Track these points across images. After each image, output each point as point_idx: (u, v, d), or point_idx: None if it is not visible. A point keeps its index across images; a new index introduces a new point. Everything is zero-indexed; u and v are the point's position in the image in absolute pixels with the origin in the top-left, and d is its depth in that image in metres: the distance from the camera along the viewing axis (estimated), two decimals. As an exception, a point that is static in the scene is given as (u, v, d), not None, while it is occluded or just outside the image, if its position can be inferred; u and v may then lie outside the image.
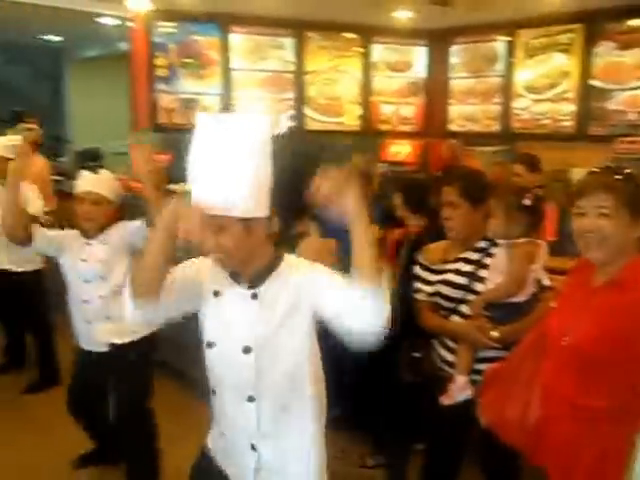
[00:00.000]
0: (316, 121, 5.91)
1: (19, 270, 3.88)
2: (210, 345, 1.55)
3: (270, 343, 1.50)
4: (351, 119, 6.06)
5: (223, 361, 1.56)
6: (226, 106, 5.57)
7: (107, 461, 3.06)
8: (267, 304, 1.51)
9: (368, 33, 5.93)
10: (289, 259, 1.57)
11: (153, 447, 2.81)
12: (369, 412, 3.07)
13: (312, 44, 5.85)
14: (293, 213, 2.53)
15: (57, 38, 6.90)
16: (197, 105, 5.52)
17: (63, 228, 2.97)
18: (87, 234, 2.70)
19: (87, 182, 2.65)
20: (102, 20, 5.53)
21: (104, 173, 2.74)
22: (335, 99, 5.99)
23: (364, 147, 5.04)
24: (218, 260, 1.49)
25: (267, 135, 1.43)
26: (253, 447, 1.56)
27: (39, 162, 5.05)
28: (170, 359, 3.93)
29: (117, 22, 5.54)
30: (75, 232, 2.74)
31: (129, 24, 5.40)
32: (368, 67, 6.02)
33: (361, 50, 6.00)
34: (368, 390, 3.00)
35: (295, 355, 1.52)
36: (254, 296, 1.51)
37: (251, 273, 1.51)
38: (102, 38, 6.43)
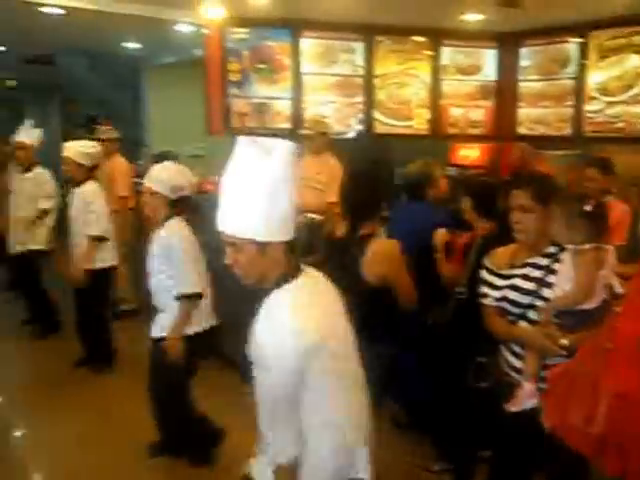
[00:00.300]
0: (385, 125, 5.93)
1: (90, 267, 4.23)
2: None
3: (258, 365, 1.60)
4: (420, 123, 6.05)
5: None
6: (297, 110, 5.69)
7: (175, 452, 3.21)
8: (257, 332, 1.60)
9: (438, 36, 5.91)
10: (288, 288, 1.58)
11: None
12: (435, 416, 3.09)
13: (382, 48, 5.88)
14: (361, 215, 2.60)
15: (136, 46, 7.17)
16: (269, 109, 5.67)
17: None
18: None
19: (147, 176, 2.96)
20: (178, 28, 5.74)
21: (165, 166, 3.00)
22: (404, 103, 5.99)
23: (433, 151, 5.05)
24: (240, 276, 1.60)
25: (288, 162, 1.48)
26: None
27: (121, 162, 5.36)
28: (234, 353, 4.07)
29: (192, 29, 5.74)
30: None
31: (204, 31, 5.59)
32: (437, 70, 5.99)
33: (430, 53, 5.97)
34: (434, 394, 3.02)
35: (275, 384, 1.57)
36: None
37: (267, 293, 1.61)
38: (178, 45, 6.67)
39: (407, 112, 5.97)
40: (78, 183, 4.21)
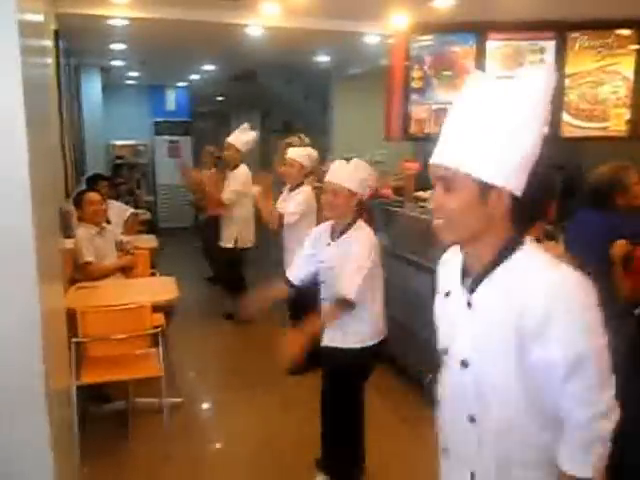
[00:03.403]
0: (574, 127, 5.56)
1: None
2: (443, 352, 1.42)
3: (487, 361, 1.29)
4: (618, 124, 5.55)
5: (447, 372, 1.42)
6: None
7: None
8: (481, 314, 1.30)
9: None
10: (526, 252, 1.28)
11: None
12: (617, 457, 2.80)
13: (576, 45, 5.52)
14: (526, 219, 2.50)
15: (326, 59, 7.57)
16: (447, 114, 5.64)
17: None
18: (332, 232, 2.86)
19: (329, 173, 2.84)
20: (366, 39, 5.96)
21: (351, 163, 2.84)
22: (599, 103, 5.55)
23: (631, 154, 4.64)
24: (438, 227, 1.28)
25: (543, 96, 1.20)
26: (472, 475, 1.38)
27: None
28: (402, 358, 4.13)
29: (379, 40, 5.92)
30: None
31: (390, 41, 5.75)
32: (644, 65, 5.42)
33: (636, 47, 5.45)
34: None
35: (509, 380, 1.27)
36: (468, 304, 1.32)
37: (479, 267, 1.29)
38: (365, 56, 6.93)
39: (602, 113, 5.53)
40: (294, 187, 4.52)
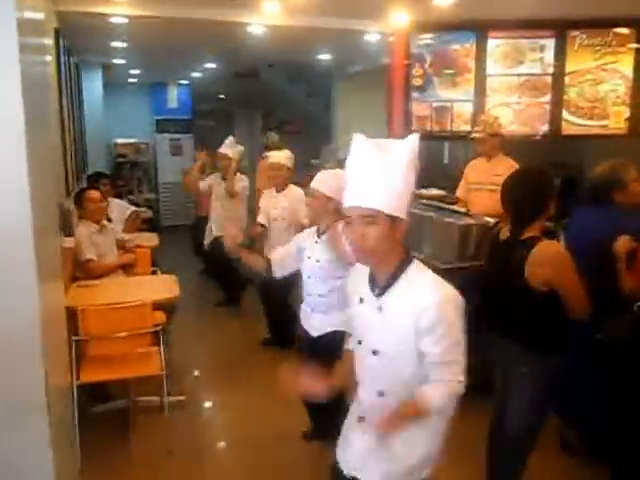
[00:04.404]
0: (574, 125, 5.55)
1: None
2: (357, 342, 1.79)
3: (393, 349, 1.69)
4: (617, 122, 5.54)
5: (360, 358, 1.80)
6: (478, 112, 5.57)
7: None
8: (389, 316, 1.68)
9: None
10: (416, 267, 1.71)
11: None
12: (615, 448, 2.86)
13: (576, 43, 5.52)
14: (524, 217, 2.52)
15: (328, 57, 7.56)
16: (449, 112, 5.65)
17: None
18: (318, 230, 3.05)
19: (320, 182, 2.96)
20: (367, 37, 5.97)
21: (332, 172, 2.99)
22: (598, 101, 5.55)
23: (630, 152, 4.63)
24: (357, 253, 1.65)
25: (415, 153, 1.63)
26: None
27: None
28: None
29: (379, 38, 5.93)
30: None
31: (390, 39, 5.75)
32: (643, 63, 5.42)
33: (635, 46, 5.45)
34: (611, 421, 2.80)
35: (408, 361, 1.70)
36: (379, 309, 1.69)
37: (383, 278, 1.69)
38: (366, 54, 6.93)
39: (601, 111, 5.52)
40: (283, 188, 4.65)
